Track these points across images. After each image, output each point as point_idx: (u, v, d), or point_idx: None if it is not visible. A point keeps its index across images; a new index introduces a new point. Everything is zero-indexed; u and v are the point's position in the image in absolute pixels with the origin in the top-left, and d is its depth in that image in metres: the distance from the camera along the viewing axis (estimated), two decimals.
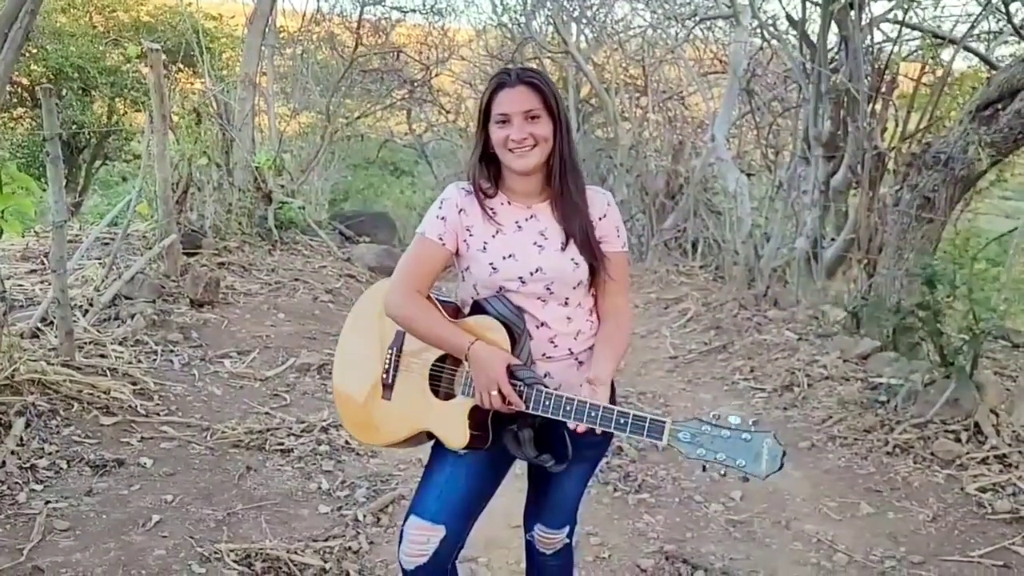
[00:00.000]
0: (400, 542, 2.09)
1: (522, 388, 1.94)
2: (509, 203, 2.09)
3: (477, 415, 2.00)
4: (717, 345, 6.84)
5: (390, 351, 2.12)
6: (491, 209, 2.07)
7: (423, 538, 2.04)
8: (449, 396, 2.05)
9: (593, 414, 1.87)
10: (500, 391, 1.93)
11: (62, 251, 4.56)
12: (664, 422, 1.81)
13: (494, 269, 2.05)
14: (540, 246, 2.06)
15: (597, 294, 2.14)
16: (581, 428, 1.89)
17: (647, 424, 1.83)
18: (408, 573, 2.07)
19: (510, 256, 2.04)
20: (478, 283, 2.09)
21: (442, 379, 2.07)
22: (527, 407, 1.93)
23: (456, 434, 2.00)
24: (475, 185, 2.08)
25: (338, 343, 2.26)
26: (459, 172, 15.58)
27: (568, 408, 1.89)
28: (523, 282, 2.04)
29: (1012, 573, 3.34)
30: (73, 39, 13.00)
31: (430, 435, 2.09)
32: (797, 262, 7.64)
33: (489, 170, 2.10)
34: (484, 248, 2.06)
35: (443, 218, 2.08)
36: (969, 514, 3.82)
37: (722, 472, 1.77)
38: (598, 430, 1.88)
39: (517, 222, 2.08)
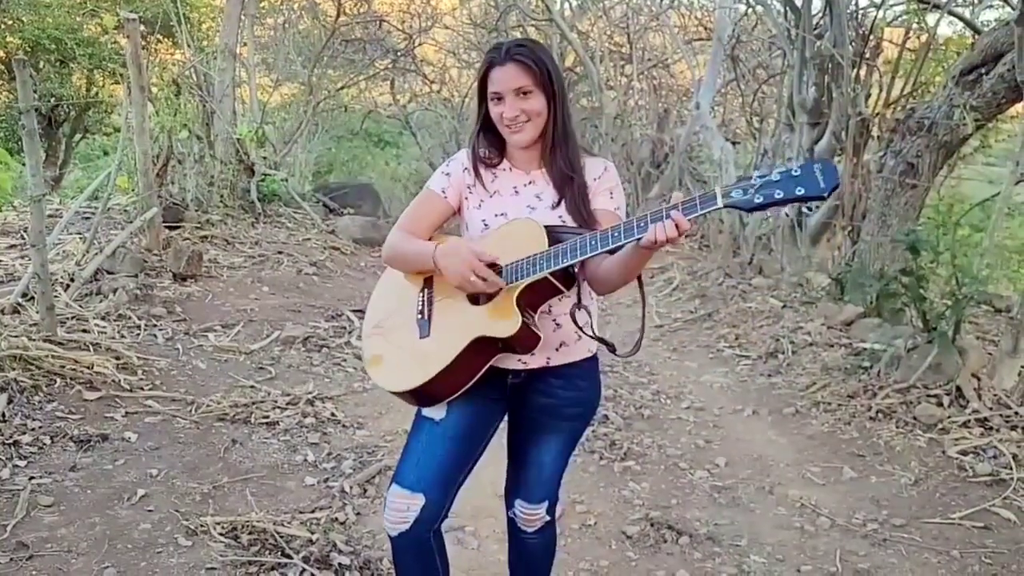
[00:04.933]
0: (384, 509, 2.11)
1: (501, 267, 1.97)
2: (511, 169, 2.16)
3: (526, 298, 1.98)
4: (702, 313, 6.86)
5: (421, 293, 2.13)
6: (492, 175, 2.15)
7: (403, 506, 2.06)
8: (490, 299, 2.02)
9: (628, 229, 1.83)
10: (476, 274, 1.93)
11: (41, 225, 4.51)
12: (714, 191, 1.77)
13: (485, 225, 2.12)
14: (532, 207, 2.11)
15: (588, 263, 2.10)
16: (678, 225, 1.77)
17: (697, 202, 1.77)
18: (393, 539, 2.10)
19: (502, 214, 2.11)
20: (472, 239, 2.13)
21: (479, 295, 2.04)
22: (510, 281, 1.95)
23: (508, 321, 1.95)
24: (474, 156, 2.15)
25: (366, 316, 2.24)
26: (445, 143, 15.49)
27: (605, 242, 1.86)
28: None
29: (992, 534, 3.39)
30: (49, 10, 12.74)
31: (447, 387, 2.02)
32: (782, 230, 7.64)
33: (489, 139, 2.15)
34: (480, 205, 2.14)
35: (448, 174, 2.17)
36: (950, 477, 3.87)
37: (785, 211, 1.77)
38: (648, 235, 1.78)
39: (515, 187, 2.14)
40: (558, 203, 2.09)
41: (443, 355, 1.99)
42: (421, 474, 2.06)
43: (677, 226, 1.75)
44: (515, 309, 1.94)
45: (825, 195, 1.70)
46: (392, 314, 2.16)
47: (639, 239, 1.80)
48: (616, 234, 1.84)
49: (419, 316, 2.09)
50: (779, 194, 1.70)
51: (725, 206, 1.75)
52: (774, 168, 1.73)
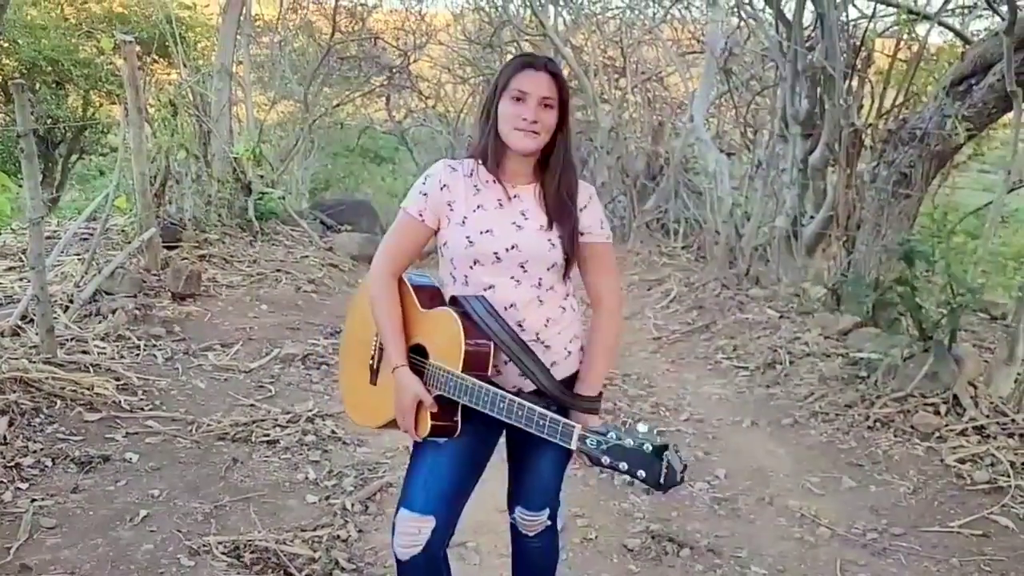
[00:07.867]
0: (393, 534, 2.11)
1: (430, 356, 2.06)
2: (494, 182, 2.11)
3: (443, 406, 2.04)
4: (700, 325, 6.88)
5: (375, 339, 2.18)
6: (475, 188, 2.10)
7: (414, 529, 2.06)
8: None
9: (519, 412, 1.92)
10: (406, 419, 2.05)
11: (40, 248, 4.54)
12: (574, 427, 1.86)
13: (470, 243, 2.06)
14: (519, 225, 2.08)
15: (586, 286, 2.18)
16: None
17: (560, 427, 1.87)
18: (403, 564, 2.10)
19: (487, 231, 2.06)
20: (454, 258, 2.10)
21: (414, 369, 2.08)
22: (430, 382, 2.04)
23: (420, 422, 2.07)
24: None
25: (347, 317, 2.40)
26: (441, 158, 15.56)
27: (501, 407, 1.94)
28: (498, 258, 2.06)
29: (991, 542, 3.41)
30: (45, 32, 12.83)
31: None
32: (777, 241, 7.68)
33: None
34: (463, 222, 2.08)
35: (425, 194, 2.11)
36: (949, 485, 3.89)
37: (629, 481, 1.82)
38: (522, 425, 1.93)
39: (499, 200, 2.10)
40: (548, 226, 2.08)
41: (377, 415, 2.19)
42: (429, 496, 2.07)
43: None
44: (427, 417, 2.04)
45: (661, 489, 1.78)
46: (356, 341, 2.29)
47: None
48: (541, 424, 1.90)
49: (371, 361, 2.22)
50: (623, 466, 1.79)
51: (577, 449, 1.85)
52: (631, 435, 1.80)
